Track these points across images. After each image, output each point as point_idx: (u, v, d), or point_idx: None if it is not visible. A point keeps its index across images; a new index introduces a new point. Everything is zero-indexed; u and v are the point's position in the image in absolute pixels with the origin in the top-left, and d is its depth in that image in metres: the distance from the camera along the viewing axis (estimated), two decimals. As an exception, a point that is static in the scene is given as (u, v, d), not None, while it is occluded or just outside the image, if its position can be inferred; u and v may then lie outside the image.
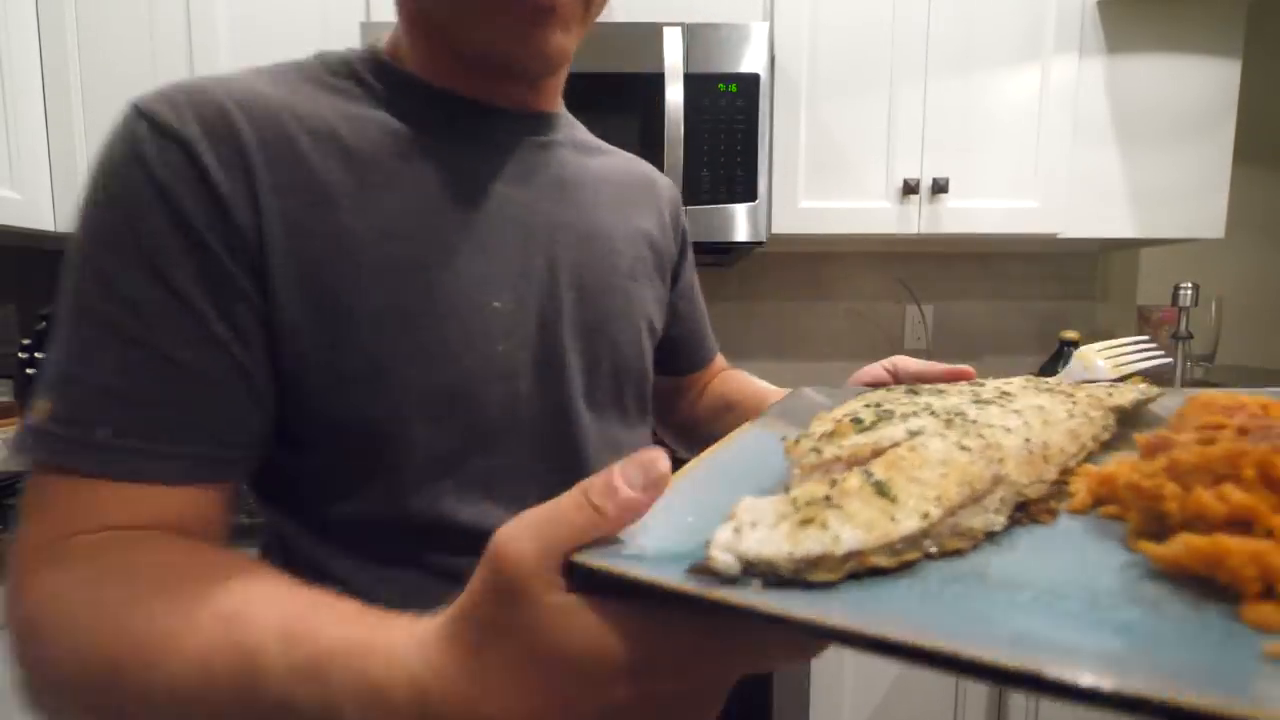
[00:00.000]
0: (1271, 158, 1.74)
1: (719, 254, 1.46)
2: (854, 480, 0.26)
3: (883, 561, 0.23)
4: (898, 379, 0.54)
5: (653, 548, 0.25)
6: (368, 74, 0.47)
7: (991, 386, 0.41)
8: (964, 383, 0.43)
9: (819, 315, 1.75)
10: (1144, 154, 1.39)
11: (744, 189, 1.27)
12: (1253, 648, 0.18)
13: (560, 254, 0.51)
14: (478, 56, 0.46)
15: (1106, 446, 0.37)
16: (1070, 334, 1.53)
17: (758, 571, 0.23)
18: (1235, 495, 0.22)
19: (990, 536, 0.26)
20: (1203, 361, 1.53)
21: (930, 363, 0.53)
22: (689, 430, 0.80)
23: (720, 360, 0.81)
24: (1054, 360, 1.53)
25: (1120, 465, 0.29)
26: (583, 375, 0.53)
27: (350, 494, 0.44)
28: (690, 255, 0.73)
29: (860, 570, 0.23)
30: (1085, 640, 0.19)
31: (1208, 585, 0.21)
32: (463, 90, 0.48)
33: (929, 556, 0.24)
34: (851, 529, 0.23)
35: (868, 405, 0.36)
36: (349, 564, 0.44)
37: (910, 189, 1.36)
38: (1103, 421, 0.37)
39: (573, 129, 0.59)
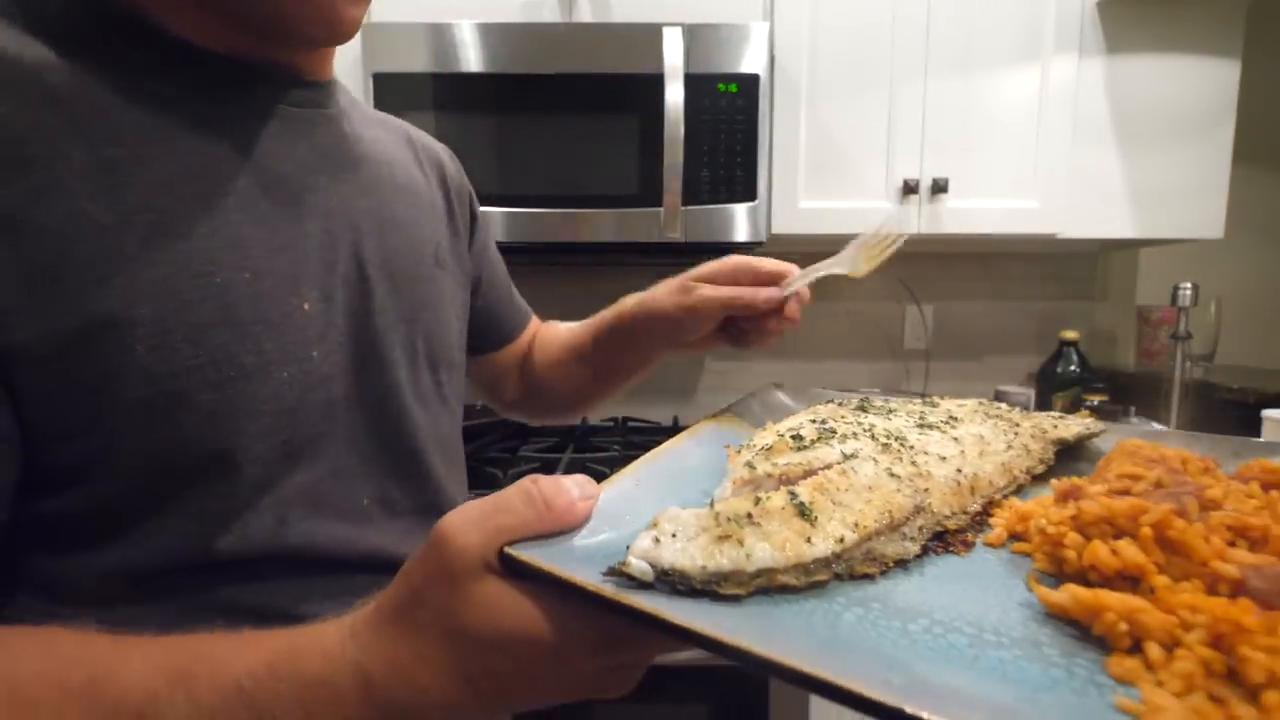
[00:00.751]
0: (1271, 158, 1.74)
1: (719, 254, 1.46)
2: (777, 500, 0.27)
3: (792, 581, 0.25)
4: (737, 278, 0.56)
5: (581, 545, 0.28)
6: (94, 23, 0.37)
7: (943, 408, 0.42)
8: (917, 401, 0.44)
9: (819, 315, 1.75)
10: (1144, 154, 1.39)
11: (744, 189, 1.27)
12: (1107, 699, 0.19)
13: (365, 243, 0.47)
14: (261, 18, 0.40)
15: (1041, 478, 0.37)
16: (1070, 334, 1.53)
17: (670, 580, 0.24)
18: (1128, 552, 0.24)
19: (902, 563, 0.28)
20: (1202, 361, 1.53)
21: (768, 261, 0.56)
22: (535, 397, 0.76)
23: (536, 322, 0.77)
24: (1054, 360, 1.53)
25: (1036, 505, 0.31)
26: (406, 370, 0.50)
27: (126, 540, 0.37)
28: (480, 218, 0.69)
29: (770, 586, 0.25)
30: (957, 678, 0.20)
31: (1088, 633, 0.22)
32: (226, 49, 0.41)
33: (838, 578, 0.26)
34: (766, 547, 0.25)
35: (814, 421, 0.37)
36: (126, 621, 0.34)
37: (910, 189, 1.36)
38: (1040, 455, 0.38)
39: (349, 97, 0.53)
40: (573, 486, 0.29)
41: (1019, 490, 0.36)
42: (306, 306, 0.42)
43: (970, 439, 0.36)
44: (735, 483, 0.30)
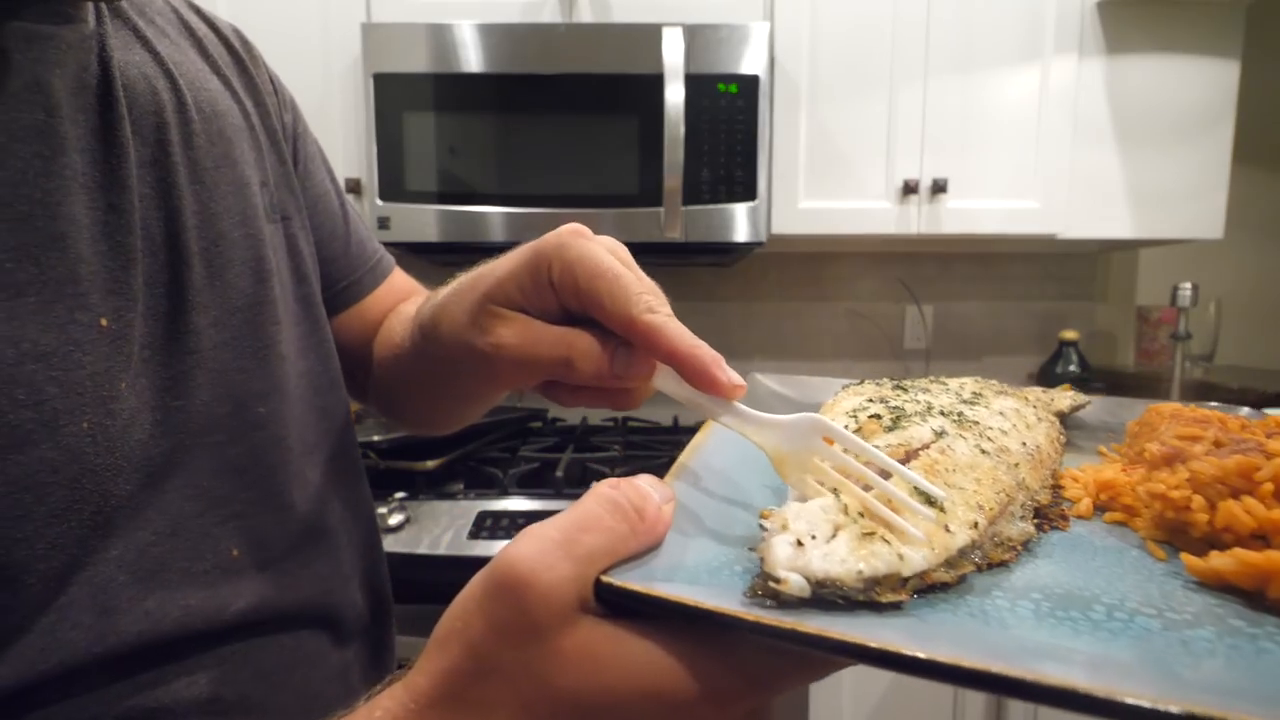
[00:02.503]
0: (1271, 158, 1.74)
1: (719, 254, 1.46)
2: (904, 488, 0.24)
3: (945, 577, 0.22)
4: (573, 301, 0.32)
5: (666, 563, 0.23)
6: None
7: (956, 385, 0.40)
8: (927, 380, 0.41)
9: (819, 315, 1.75)
10: (1143, 154, 1.39)
11: (744, 189, 1.27)
12: None
13: (160, 212, 0.35)
14: None
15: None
16: (1070, 334, 1.53)
17: (827, 592, 0.20)
18: (1259, 510, 0.23)
19: (1025, 545, 0.25)
20: (1202, 361, 1.53)
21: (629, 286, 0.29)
22: (378, 395, 0.55)
23: (403, 281, 0.57)
24: (1054, 360, 1.53)
25: (1116, 472, 0.30)
26: (252, 372, 0.38)
27: None
28: (301, 130, 0.50)
29: (922, 587, 0.22)
30: (1179, 666, 0.18)
31: (1249, 598, 0.21)
32: None
33: (977, 568, 0.23)
34: (912, 544, 0.22)
35: (872, 400, 0.35)
36: None
37: (910, 189, 1.36)
38: (1058, 425, 0.37)
39: None
40: (650, 489, 0.23)
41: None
42: (104, 322, 0.31)
43: (1010, 412, 0.34)
44: (839, 470, 0.27)
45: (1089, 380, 1.50)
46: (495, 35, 1.24)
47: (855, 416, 0.32)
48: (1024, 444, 0.31)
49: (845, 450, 0.26)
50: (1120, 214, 1.41)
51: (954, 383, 0.41)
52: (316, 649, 0.41)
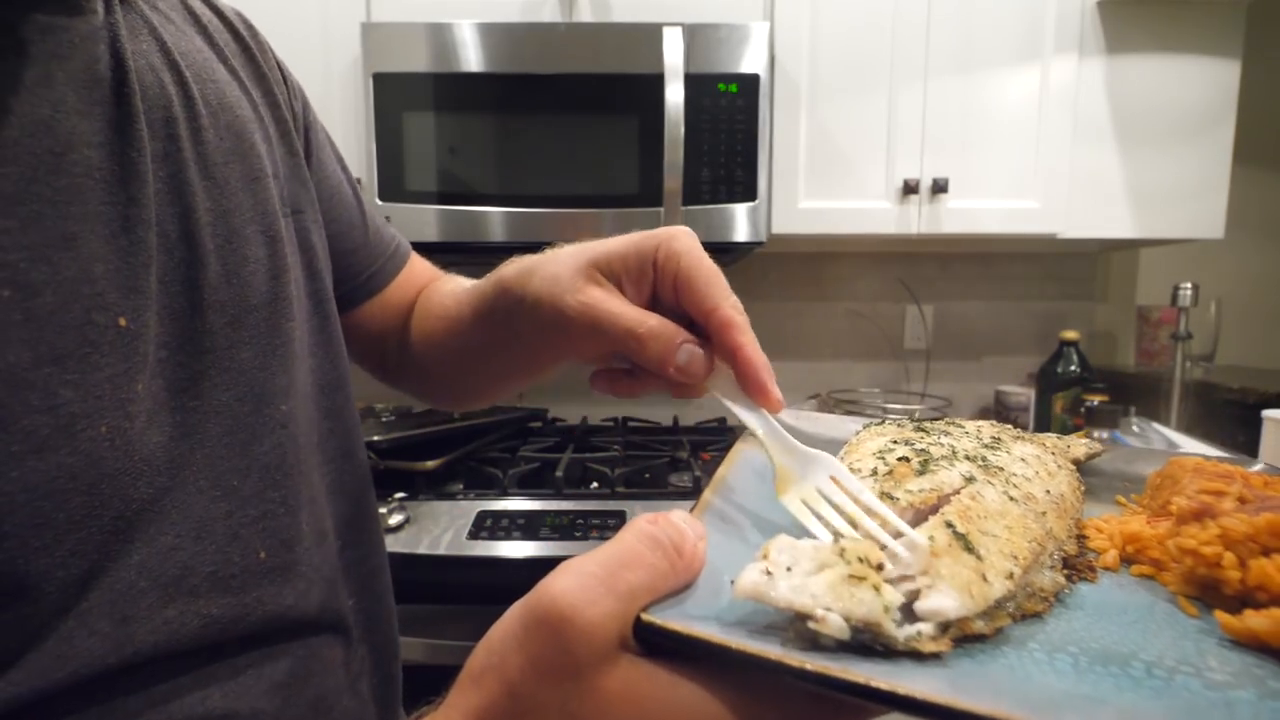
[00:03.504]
0: (1271, 158, 1.74)
1: (719, 254, 1.45)
2: (942, 536, 0.23)
3: (983, 628, 0.22)
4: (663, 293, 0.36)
5: (701, 601, 0.22)
6: None
7: (973, 427, 0.39)
8: (944, 423, 0.41)
9: (819, 315, 1.75)
10: (1144, 154, 1.39)
11: (744, 189, 1.27)
12: None
13: (174, 209, 0.34)
14: None
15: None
16: (1070, 334, 1.53)
17: (864, 639, 0.20)
18: None
19: (1058, 597, 0.25)
20: (1202, 361, 1.53)
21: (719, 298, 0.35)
22: (414, 372, 0.56)
23: (422, 265, 0.58)
24: (1054, 360, 1.53)
25: (1141, 524, 0.30)
26: (273, 370, 0.38)
27: None
28: (311, 119, 0.49)
29: (960, 636, 0.22)
30: None
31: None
32: None
33: (1011, 619, 0.23)
34: (952, 592, 0.21)
35: (896, 442, 0.34)
36: None
37: (910, 189, 1.36)
38: (1076, 473, 0.37)
39: None
40: (685, 526, 0.23)
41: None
42: (122, 322, 0.30)
43: (1031, 459, 0.34)
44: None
45: (1089, 380, 1.50)
46: (495, 35, 1.24)
47: (883, 458, 0.31)
48: (1048, 491, 0.31)
49: (847, 493, 0.27)
50: (1121, 214, 1.41)
51: (971, 426, 0.40)
52: (328, 657, 0.40)
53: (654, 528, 0.22)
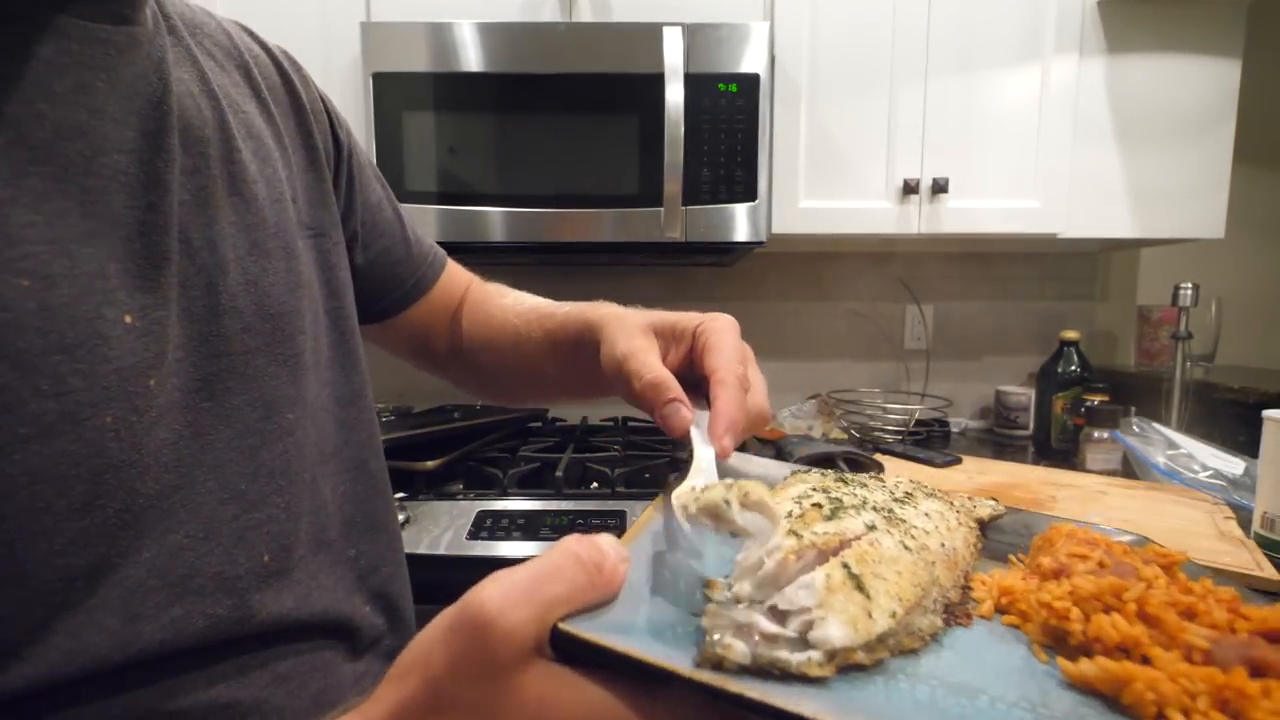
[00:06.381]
0: (1271, 158, 1.74)
1: (719, 254, 1.46)
2: (837, 575, 0.27)
3: (863, 659, 0.25)
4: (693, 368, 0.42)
5: (618, 619, 0.25)
6: None
7: (892, 483, 0.44)
8: (870, 478, 0.45)
9: (819, 315, 1.75)
10: (1144, 154, 1.39)
11: (744, 189, 1.27)
12: None
13: (199, 219, 0.36)
14: None
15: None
16: (1071, 334, 1.53)
17: (762, 663, 0.23)
18: (1123, 626, 0.27)
19: (934, 637, 0.29)
20: (1203, 361, 1.53)
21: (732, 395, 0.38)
22: (468, 369, 0.64)
23: (457, 270, 0.64)
24: (1054, 360, 1.53)
25: (1015, 580, 0.34)
26: (282, 379, 0.39)
27: None
28: (347, 138, 0.53)
29: (845, 664, 0.24)
30: None
31: (1110, 702, 0.25)
32: None
33: (890, 653, 0.26)
34: (840, 625, 0.24)
35: (815, 489, 0.38)
36: None
37: (910, 189, 1.36)
38: (975, 530, 0.41)
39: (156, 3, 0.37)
40: (609, 548, 0.24)
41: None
42: (128, 319, 0.31)
43: (935, 514, 0.38)
44: (786, 553, 0.29)
45: (1089, 380, 1.50)
46: (495, 34, 1.24)
47: (800, 503, 0.34)
48: (943, 544, 0.34)
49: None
50: (1121, 214, 1.41)
51: (891, 481, 0.44)
52: (331, 659, 0.42)
53: (579, 547, 0.24)
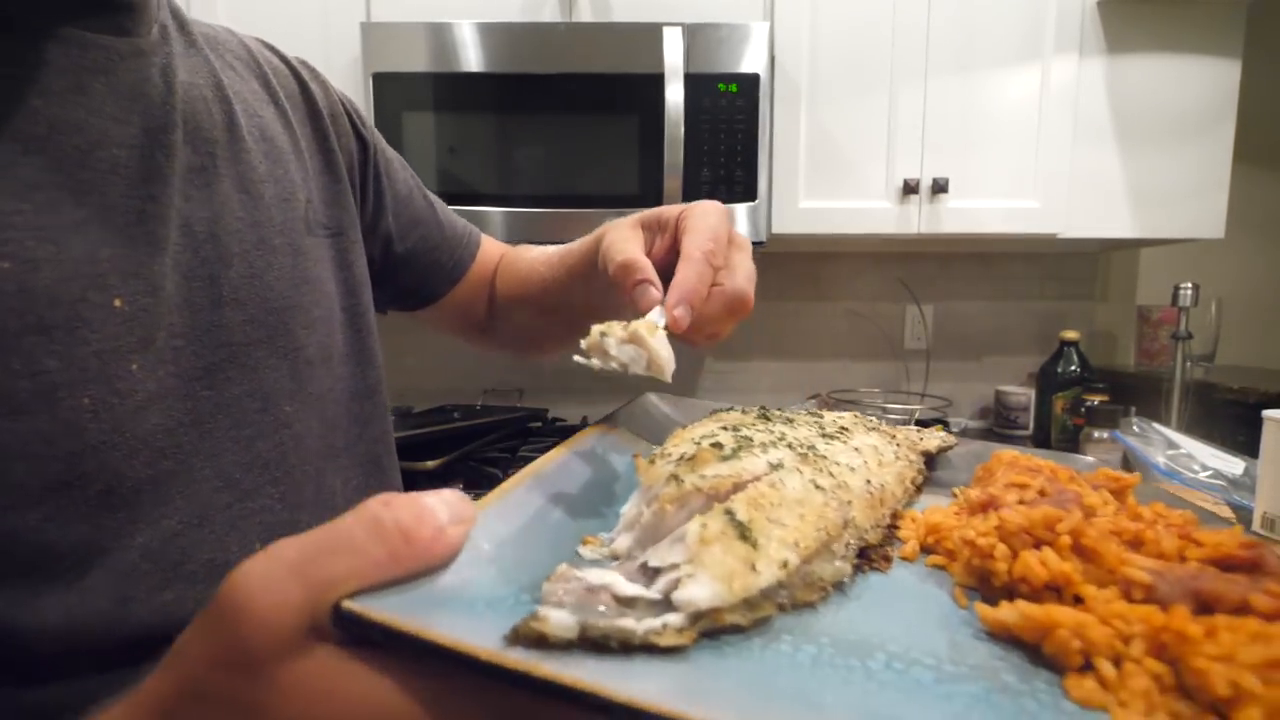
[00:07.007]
0: (1271, 158, 1.74)
1: (719, 254, 1.46)
2: (715, 524, 0.23)
3: (739, 620, 0.21)
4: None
5: (456, 590, 0.20)
6: None
7: (830, 419, 0.41)
8: (804, 413, 0.42)
9: (819, 315, 1.75)
10: (1144, 154, 1.39)
11: (744, 189, 1.27)
12: None
13: (203, 214, 0.37)
14: None
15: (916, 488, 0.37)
16: (1070, 334, 1.53)
17: (595, 636, 0.19)
18: (1053, 562, 0.24)
19: (838, 586, 0.25)
20: (1203, 361, 1.53)
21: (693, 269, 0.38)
22: (500, 330, 0.66)
23: (491, 243, 0.67)
24: (1054, 360, 1.53)
25: (945, 516, 0.31)
26: (281, 370, 0.40)
27: None
28: (374, 141, 0.56)
29: (715, 628, 0.21)
30: None
31: (1033, 650, 0.22)
32: None
33: (780, 609, 0.23)
34: (710, 582, 0.21)
35: (725, 428, 0.34)
36: None
37: (910, 189, 1.36)
38: (918, 464, 0.38)
39: (175, 18, 0.40)
40: (440, 507, 0.21)
41: (909, 502, 0.36)
42: (118, 303, 0.32)
43: (868, 449, 0.35)
44: (662, 501, 0.26)
45: (1089, 380, 1.50)
46: (495, 34, 1.24)
47: (699, 443, 0.31)
48: (868, 481, 0.31)
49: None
50: (1121, 214, 1.41)
51: (831, 416, 0.41)
52: None
53: (383, 510, 0.20)
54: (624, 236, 0.43)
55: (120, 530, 0.31)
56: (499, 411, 1.42)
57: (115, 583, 0.31)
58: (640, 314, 0.37)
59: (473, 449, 1.27)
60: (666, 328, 0.36)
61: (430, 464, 1.13)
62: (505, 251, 0.67)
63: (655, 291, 0.38)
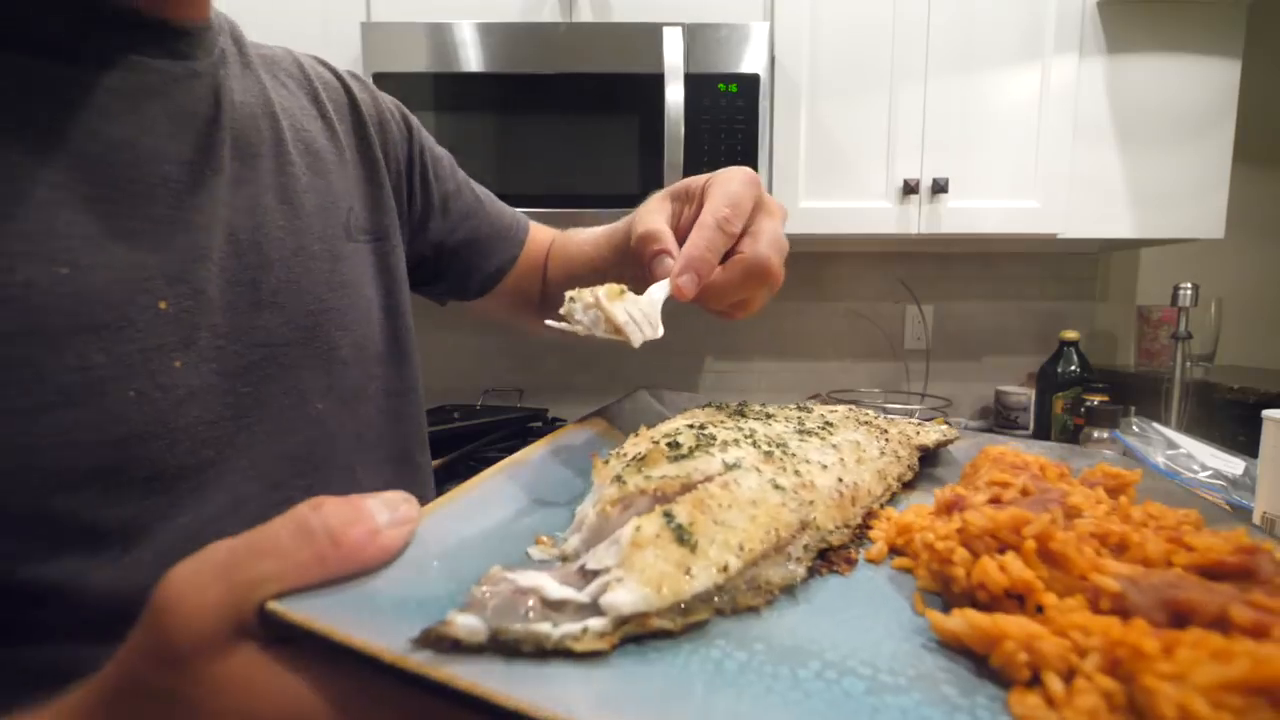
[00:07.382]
0: (1271, 158, 1.74)
1: (719, 254, 1.46)
2: (650, 527, 0.23)
3: (667, 624, 0.21)
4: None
5: (388, 592, 0.21)
6: None
7: (817, 414, 0.40)
8: (791, 407, 0.41)
9: (819, 315, 1.75)
10: (1144, 154, 1.39)
11: (744, 189, 1.26)
12: None
13: (246, 222, 0.40)
14: None
15: (908, 486, 0.36)
16: (1070, 334, 1.53)
17: (508, 641, 0.19)
18: (1015, 568, 0.23)
19: (788, 589, 0.24)
20: (1203, 361, 1.53)
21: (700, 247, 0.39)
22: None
23: (540, 229, 0.70)
24: (1054, 360, 1.53)
25: (918, 516, 0.29)
26: (317, 369, 0.42)
27: None
28: (422, 141, 0.60)
29: (641, 633, 0.20)
30: None
31: (982, 662, 0.21)
32: None
33: (719, 613, 0.22)
34: (635, 587, 0.21)
35: (691, 426, 0.34)
36: None
37: (910, 189, 1.36)
38: (908, 460, 0.37)
39: (231, 43, 0.43)
40: (379, 510, 0.21)
41: (892, 499, 0.34)
42: (163, 305, 0.34)
43: (847, 446, 0.34)
44: (605, 503, 0.26)
45: (1089, 380, 1.50)
46: (495, 35, 1.24)
47: (656, 443, 0.31)
48: (839, 480, 0.30)
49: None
50: (1121, 214, 1.41)
51: (819, 410, 0.40)
52: None
53: (311, 514, 0.20)
54: (651, 209, 0.44)
55: (163, 512, 0.34)
56: (499, 411, 1.42)
57: (158, 559, 0.32)
58: (650, 276, 0.39)
59: (472, 449, 1.27)
60: (672, 297, 0.37)
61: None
62: (556, 236, 0.70)
63: (671, 261, 0.39)
